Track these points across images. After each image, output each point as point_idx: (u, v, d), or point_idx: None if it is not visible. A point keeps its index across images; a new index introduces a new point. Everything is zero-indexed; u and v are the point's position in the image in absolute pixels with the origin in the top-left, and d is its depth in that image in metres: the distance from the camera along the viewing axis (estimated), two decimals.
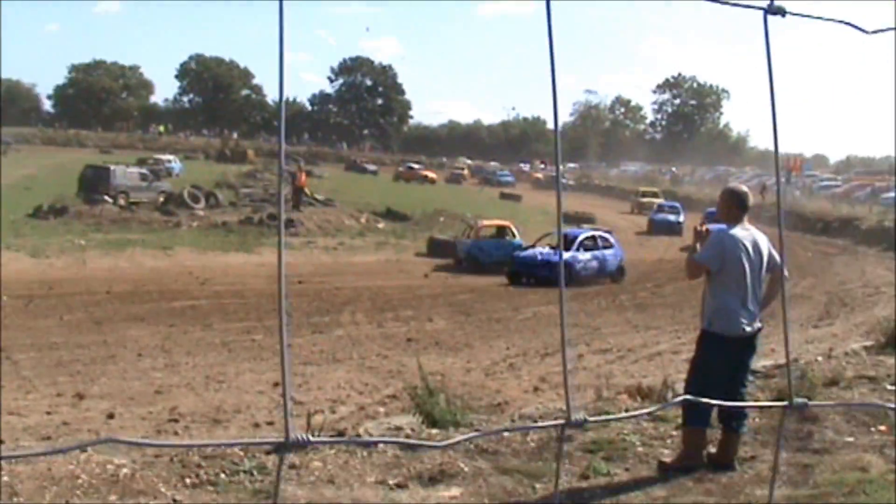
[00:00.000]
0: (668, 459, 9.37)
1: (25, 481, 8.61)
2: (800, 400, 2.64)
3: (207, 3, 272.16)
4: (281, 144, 2.18)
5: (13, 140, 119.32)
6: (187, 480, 8.88)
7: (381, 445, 10.42)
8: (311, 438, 2.17)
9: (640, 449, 9.85)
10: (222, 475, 8.96)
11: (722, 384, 9.05)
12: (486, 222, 47.78)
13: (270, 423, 15.53)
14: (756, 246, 9.13)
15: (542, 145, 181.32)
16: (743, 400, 9.22)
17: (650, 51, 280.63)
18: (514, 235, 43.66)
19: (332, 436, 11.02)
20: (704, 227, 9.83)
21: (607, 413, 11.30)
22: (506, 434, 10.86)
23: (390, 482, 8.86)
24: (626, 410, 11.86)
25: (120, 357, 21.27)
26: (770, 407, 9.08)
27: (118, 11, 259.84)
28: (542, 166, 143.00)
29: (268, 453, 10.82)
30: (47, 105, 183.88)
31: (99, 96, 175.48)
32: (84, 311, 26.55)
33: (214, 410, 16.54)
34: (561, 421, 2.57)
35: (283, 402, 2.22)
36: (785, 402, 2.62)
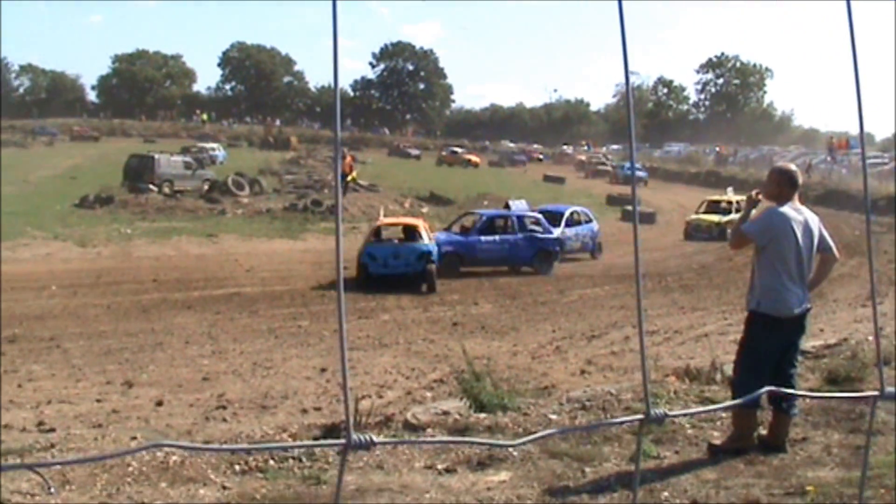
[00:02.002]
0: (718, 441, 9.30)
1: (77, 469, 8.65)
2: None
3: None
4: (336, 132, 2.15)
5: (59, 131, 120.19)
6: (236, 467, 8.90)
7: (429, 429, 10.41)
8: (375, 440, 2.14)
9: (689, 431, 9.79)
10: (271, 462, 8.98)
11: (771, 365, 8.99)
12: (386, 220, 36.35)
13: (318, 409, 15.54)
14: (806, 226, 9.04)
15: (585, 127, 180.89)
16: (793, 381, 9.14)
17: (693, 31, 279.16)
18: (426, 238, 32.96)
19: (379, 422, 11.02)
20: (756, 193, 9.68)
21: (656, 395, 11.25)
22: (553, 416, 10.83)
23: (439, 467, 8.85)
24: (675, 392, 11.78)
25: (167, 344, 21.36)
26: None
27: (160, 1, 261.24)
28: (586, 148, 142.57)
29: (315, 438, 10.84)
30: (91, 96, 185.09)
31: (142, 86, 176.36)
32: (131, 299, 26.70)
33: (262, 397, 16.56)
34: (640, 416, 2.51)
35: (345, 404, 2.19)
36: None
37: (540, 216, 38.91)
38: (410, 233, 33.47)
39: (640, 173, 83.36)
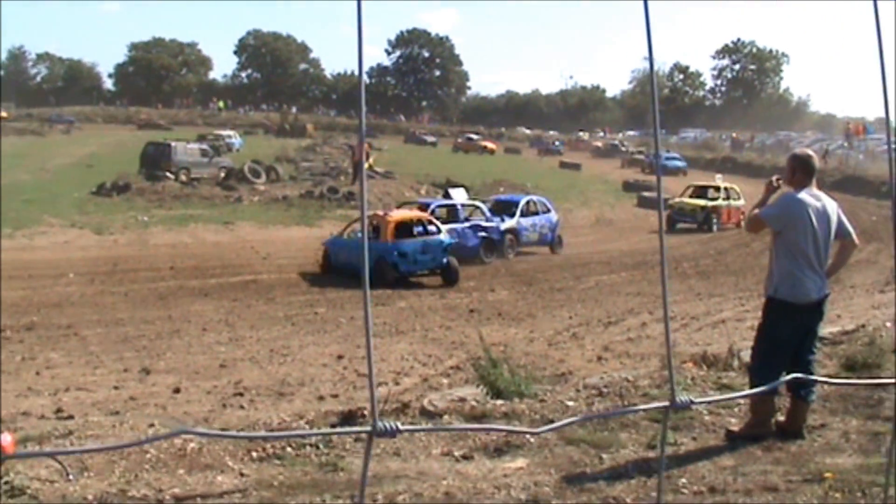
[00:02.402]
0: (735, 428, 9.30)
1: (95, 456, 8.68)
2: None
3: None
4: (361, 120, 2.15)
5: (75, 119, 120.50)
6: (254, 454, 8.92)
7: (445, 416, 10.42)
8: (400, 427, 2.14)
9: (707, 418, 9.78)
10: (288, 449, 9.00)
11: (789, 352, 8.98)
12: (397, 215, 31.68)
13: (335, 396, 15.56)
14: (824, 211, 9.01)
15: (601, 113, 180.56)
16: (811, 367, 9.11)
17: (709, 16, 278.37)
18: (442, 229, 31.10)
19: (397, 409, 11.03)
20: (776, 179, 9.65)
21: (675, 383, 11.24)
22: (570, 403, 10.83)
23: (456, 454, 8.85)
24: (692, 379, 11.77)
25: (184, 332, 21.41)
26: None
27: None
28: (602, 134, 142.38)
29: (332, 425, 10.86)
30: (108, 83, 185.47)
31: (158, 73, 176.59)
32: (148, 286, 26.74)
33: (279, 384, 16.60)
34: (665, 403, 2.51)
35: (370, 391, 2.19)
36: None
37: (481, 204, 37.41)
38: (428, 225, 30.82)
39: (679, 163, 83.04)
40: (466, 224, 33.98)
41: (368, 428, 2.10)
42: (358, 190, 48.81)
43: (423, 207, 33.76)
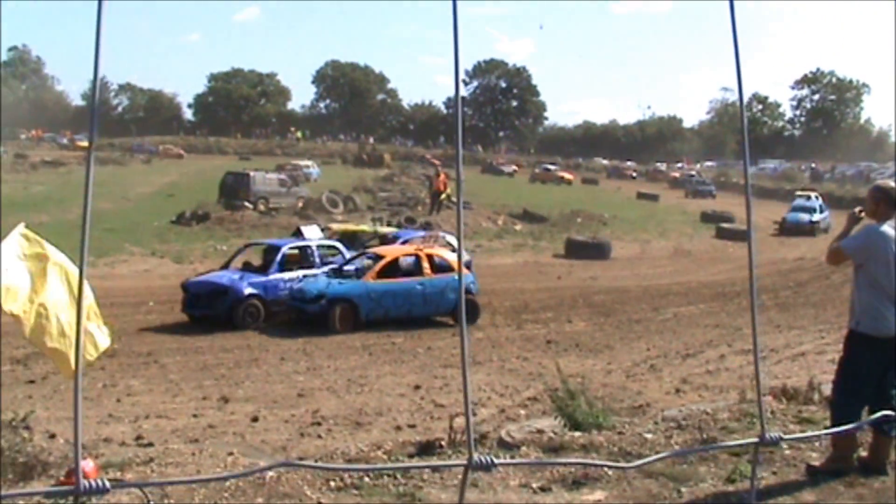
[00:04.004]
0: (817, 463, 9.19)
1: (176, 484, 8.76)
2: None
3: (342, 8, 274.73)
4: (458, 149, 2.17)
5: (156, 149, 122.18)
6: (332, 483, 8.96)
7: (523, 448, 10.41)
8: (495, 460, 2.16)
9: (787, 452, 9.68)
10: (366, 479, 9.02)
11: (871, 385, 8.87)
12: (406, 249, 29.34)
13: (412, 426, 15.61)
14: None
15: (679, 144, 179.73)
16: (894, 402, 8.99)
17: (788, 46, 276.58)
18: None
19: (474, 440, 11.02)
20: (858, 211, 9.55)
21: (752, 415, 11.15)
22: (648, 436, 10.78)
23: (534, 485, 8.84)
24: (772, 412, 11.67)
25: (263, 360, 21.58)
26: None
27: (257, 17, 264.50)
28: (679, 165, 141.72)
29: (410, 456, 10.89)
30: (188, 114, 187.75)
31: (237, 104, 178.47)
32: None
33: (356, 413, 16.67)
34: (755, 439, 2.51)
35: (466, 424, 2.21)
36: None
37: (338, 244, 31.57)
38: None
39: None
40: (322, 269, 28.39)
41: (464, 462, 2.12)
42: (441, 220, 48.98)
43: (274, 248, 29.08)
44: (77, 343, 2.20)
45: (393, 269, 27.09)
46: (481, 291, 30.02)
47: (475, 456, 2.11)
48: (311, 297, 25.69)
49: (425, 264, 27.12)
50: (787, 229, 58.41)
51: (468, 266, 30.62)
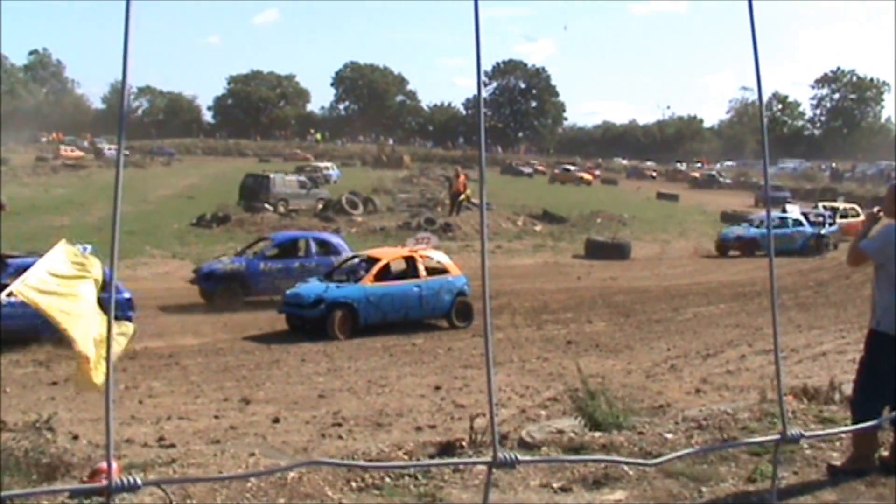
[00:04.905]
0: (837, 462, 9.17)
1: (198, 484, 8.80)
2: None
3: (361, 10, 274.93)
4: (481, 151, 2.20)
5: (176, 151, 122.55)
6: (353, 484, 8.99)
7: (543, 448, 10.43)
8: (519, 458, 2.18)
9: (807, 451, 9.66)
10: (387, 479, 9.04)
11: (892, 385, 8.83)
12: (389, 252, 29.45)
13: (433, 427, 15.64)
14: None
15: (698, 144, 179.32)
16: None
17: (807, 46, 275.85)
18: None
19: (497, 439, 11.04)
20: (877, 210, 9.51)
21: (773, 415, 11.14)
22: (669, 436, 10.78)
23: (554, 485, 8.85)
24: (793, 412, 11.65)
25: (283, 362, 21.63)
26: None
27: (276, 19, 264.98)
28: (699, 165, 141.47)
29: (431, 457, 10.91)
30: (208, 116, 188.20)
31: (257, 106, 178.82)
32: (249, 316, 26.98)
33: (377, 414, 16.72)
34: (776, 436, 2.53)
35: (490, 422, 2.24)
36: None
37: (333, 238, 33.48)
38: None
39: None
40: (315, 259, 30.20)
41: (489, 459, 2.14)
42: (461, 221, 49.02)
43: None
44: (108, 334, 2.24)
45: (388, 272, 26.81)
46: (501, 292, 30.05)
47: (499, 454, 2.14)
48: (309, 303, 25.13)
49: (420, 266, 26.87)
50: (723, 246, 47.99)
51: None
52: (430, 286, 26.52)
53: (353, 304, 25.27)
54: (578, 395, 12.36)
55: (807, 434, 2.55)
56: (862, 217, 47.06)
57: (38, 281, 8.55)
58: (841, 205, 56.91)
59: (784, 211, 52.01)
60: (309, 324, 25.11)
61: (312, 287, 26.01)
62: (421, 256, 27.36)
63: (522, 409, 16.95)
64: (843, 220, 52.45)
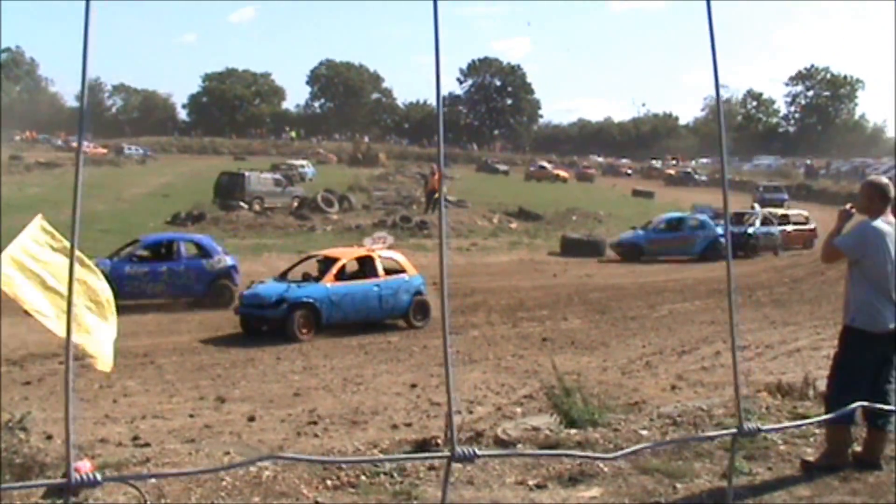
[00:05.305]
0: (811, 458, 9.21)
1: (172, 483, 8.79)
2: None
3: (337, 8, 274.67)
4: (440, 147, 2.18)
5: (150, 149, 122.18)
6: (328, 482, 8.97)
7: (519, 445, 10.43)
8: (478, 452, 2.17)
9: (782, 447, 9.70)
10: (363, 477, 9.03)
11: (867, 382, 8.87)
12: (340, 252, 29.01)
13: (408, 425, 15.64)
14: None
15: (674, 141, 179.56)
16: (889, 397, 9.00)
17: (782, 43, 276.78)
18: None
19: (470, 437, 11.05)
20: (850, 207, 9.53)
21: (747, 411, 11.16)
22: (644, 432, 10.80)
23: (530, 482, 8.85)
24: (767, 408, 11.69)
25: (259, 360, 21.61)
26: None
27: (252, 18, 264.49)
28: (674, 162, 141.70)
29: (406, 454, 10.90)
30: (182, 114, 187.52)
31: (232, 104, 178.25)
32: (223, 315, 26.93)
33: (352, 412, 16.70)
34: (733, 430, 2.53)
35: (449, 418, 2.23)
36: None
37: (204, 239, 31.90)
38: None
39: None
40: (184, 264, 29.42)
41: (447, 453, 2.14)
42: (437, 219, 49.01)
43: None
44: (67, 332, 2.22)
45: (345, 272, 26.47)
46: (477, 290, 30.08)
47: (458, 448, 2.13)
48: (270, 303, 24.65)
49: (379, 266, 26.61)
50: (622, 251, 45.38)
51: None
52: (389, 286, 26.31)
53: (316, 304, 24.91)
54: (554, 393, 12.37)
55: (763, 428, 2.55)
56: (810, 226, 47.21)
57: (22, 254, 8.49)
58: (790, 211, 53.77)
59: (745, 214, 49.62)
60: (269, 324, 24.64)
61: (272, 287, 25.66)
62: (379, 256, 27.02)
63: (498, 407, 16.95)
64: (792, 228, 50.06)
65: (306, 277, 26.45)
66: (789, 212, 54.15)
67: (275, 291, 25.08)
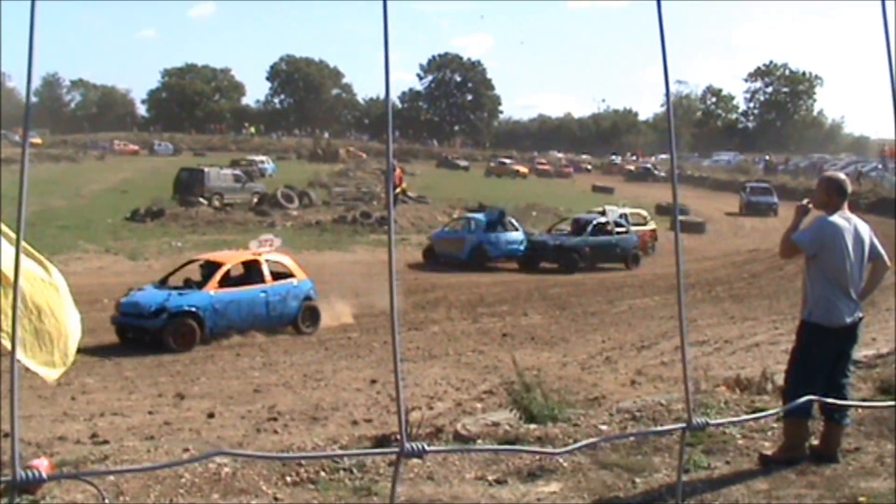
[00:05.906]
0: (769, 452, 9.24)
1: (131, 480, 8.74)
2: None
3: (297, 4, 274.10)
4: (389, 144, 2.18)
5: (109, 145, 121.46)
6: (288, 479, 8.94)
7: (479, 441, 10.43)
8: (427, 448, 2.17)
9: (740, 441, 9.74)
10: (322, 473, 9.01)
11: (823, 375, 8.92)
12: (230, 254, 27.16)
13: (368, 421, 15.63)
14: (857, 234, 8.96)
15: (633, 137, 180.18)
16: (845, 391, 9.06)
17: (741, 39, 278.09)
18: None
19: (430, 433, 11.05)
20: (807, 202, 9.55)
21: (706, 406, 11.21)
22: (603, 427, 10.82)
23: (489, 478, 8.85)
24: (725, 403, 11.73)
25: (218, 357, 21.56)
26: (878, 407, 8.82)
27: (213, 13, 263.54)
28: (634, 158, 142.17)
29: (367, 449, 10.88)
30: (142, 110, 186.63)
31: (192, 99, 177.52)
32: None
33: (312, 408, 16.68)
34: (682, 425, 2.53)
35: (398, 412, 2.22)
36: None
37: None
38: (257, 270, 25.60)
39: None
40: None
41: (396, 449, 2.14)
42: (386, 211, 48.93)
43: None
44: (13, 328, 2.19)
45: (229, 277, 24.96)
46: (437, 286, 30.07)
47: (406, 444, 2.13)
48: (149, 312, 22.88)
49: (265, 270, 25.15)
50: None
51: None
52: (276, 291, 24.97)
53: (199, 313, 23.33)
54: (514, 388, 12.40)
55: (711, 422, 2.56)
56: (650, 226, 46.50)
57: None
58: (629, 210, 47.28)
59: (603, 213, 43.02)
60: (149, 335, 22.82)
61: (151, 295, 23.88)
62: (265, 260, 25.51)
63: (458, 403, 16.98)
64: (636, 229, 43.05)
65: (188, 283, 24.98)
66: (627, 210, 47.09)
67: (154, 300, 23.37)
